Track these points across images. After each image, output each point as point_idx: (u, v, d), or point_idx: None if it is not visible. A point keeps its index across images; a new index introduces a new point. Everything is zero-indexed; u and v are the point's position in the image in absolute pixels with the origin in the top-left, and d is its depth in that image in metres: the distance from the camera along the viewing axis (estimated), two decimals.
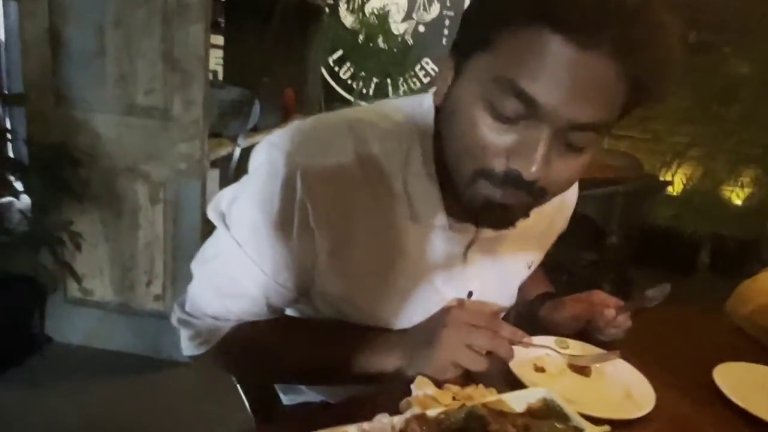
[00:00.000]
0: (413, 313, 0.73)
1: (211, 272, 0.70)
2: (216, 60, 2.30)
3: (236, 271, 0.67)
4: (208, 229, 0.72)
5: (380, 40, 3.15)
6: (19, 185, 1.70)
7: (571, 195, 0.88)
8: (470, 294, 0.77)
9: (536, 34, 0.53)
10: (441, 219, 0.69)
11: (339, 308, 0.72)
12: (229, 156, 2.03)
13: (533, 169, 0.55)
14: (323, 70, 3.33)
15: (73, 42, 1.75)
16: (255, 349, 0.72)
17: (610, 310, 0.80)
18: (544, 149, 0.55)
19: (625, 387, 0.73)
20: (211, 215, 0.68)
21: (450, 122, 0.62)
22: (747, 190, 3.15)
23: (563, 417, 0.60)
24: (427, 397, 0.61)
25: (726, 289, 1.05)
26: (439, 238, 0.71)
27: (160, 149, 1.82)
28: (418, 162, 0.67)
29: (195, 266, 0.71)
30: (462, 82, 0.60)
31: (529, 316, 0.90)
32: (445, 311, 0.70)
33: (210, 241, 0.71)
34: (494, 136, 0.57)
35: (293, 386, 0.87)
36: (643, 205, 2.73)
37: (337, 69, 3.38)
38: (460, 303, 0.75)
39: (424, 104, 0.69)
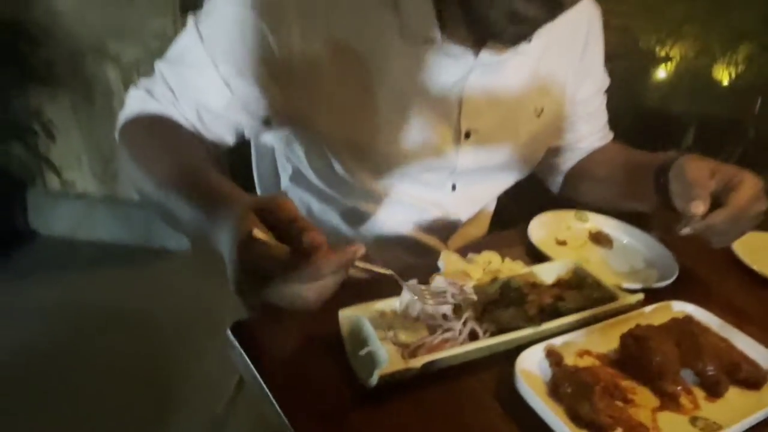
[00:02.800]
0: (403, 141, 0.67)
1: (168, 70, 0.63)
2: None
3: (193, 69, 0.61)
4: None
5: None
6: None
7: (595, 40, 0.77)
8: (468, 134, 0.70)
9: None
10: (435, 32, 0.62)
11: (310, 130, 0.66)
12: None
13: None
14: None
15: None
16: (142, 139, 0.66)
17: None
18: None
19: (647, 257, 0.72)
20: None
21: None
22: (741, 67, 3.08)
23: (595, 286, 0.59)
24: (458, 271, 0.59)
25: None
26: (431, 62, 0.64)
27: (127, 25, 1.65)
28: None
29: (158, 63, 0.65)
30: None
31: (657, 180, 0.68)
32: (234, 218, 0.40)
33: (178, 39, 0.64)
34: None
35: None
36: (636, 84, 2.65)
37: None
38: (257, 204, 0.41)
39: None
